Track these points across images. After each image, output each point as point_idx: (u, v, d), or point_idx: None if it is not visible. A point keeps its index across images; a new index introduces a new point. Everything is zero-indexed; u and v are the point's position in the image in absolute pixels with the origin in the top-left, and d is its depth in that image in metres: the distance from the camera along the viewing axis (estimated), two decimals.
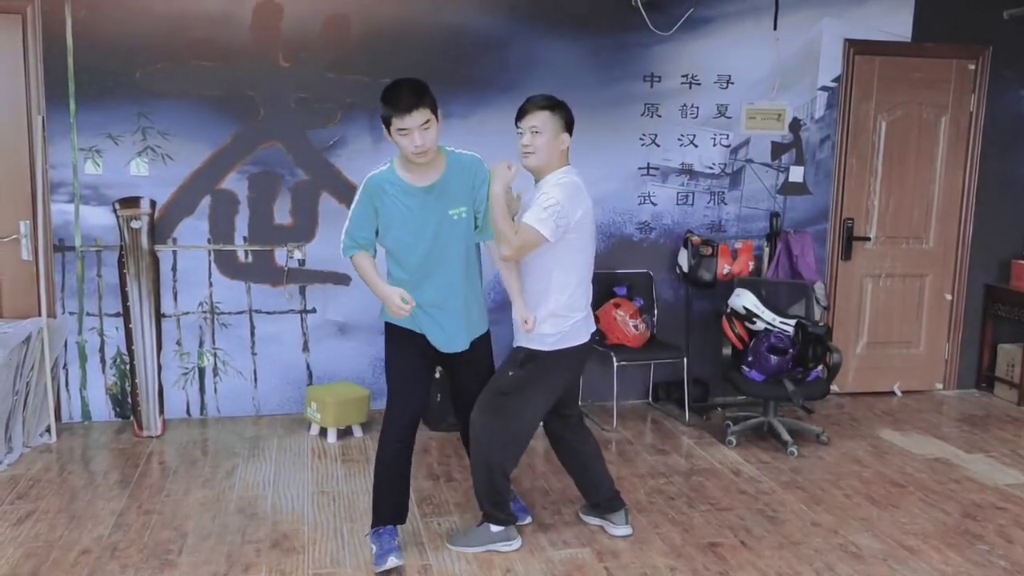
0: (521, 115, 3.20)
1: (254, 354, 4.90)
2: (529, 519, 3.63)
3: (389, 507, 3.31)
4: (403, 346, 3.28)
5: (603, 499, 3.55)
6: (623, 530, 3.52)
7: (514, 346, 3.32)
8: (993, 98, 5.53)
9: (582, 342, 3.29)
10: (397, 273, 3.22)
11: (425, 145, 3.00)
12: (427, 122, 3.00)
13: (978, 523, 3.74)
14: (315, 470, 4.20)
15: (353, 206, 3.18)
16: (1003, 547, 3.51)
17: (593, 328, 3.37)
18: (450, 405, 4.74)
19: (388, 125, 3.05)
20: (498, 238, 3.12)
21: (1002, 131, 5.58)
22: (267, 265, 4.86)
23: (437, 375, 4.75)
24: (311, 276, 4.90)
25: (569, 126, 3.20)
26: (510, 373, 3.27)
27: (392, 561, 3.18)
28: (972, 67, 5.50)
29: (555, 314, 3.20)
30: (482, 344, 3.37)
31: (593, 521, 3.62)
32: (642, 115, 5.15)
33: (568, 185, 3.15)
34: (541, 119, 3.14)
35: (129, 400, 4.74)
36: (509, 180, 3.14)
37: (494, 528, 3.36)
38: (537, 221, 3.06)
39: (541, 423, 3.41)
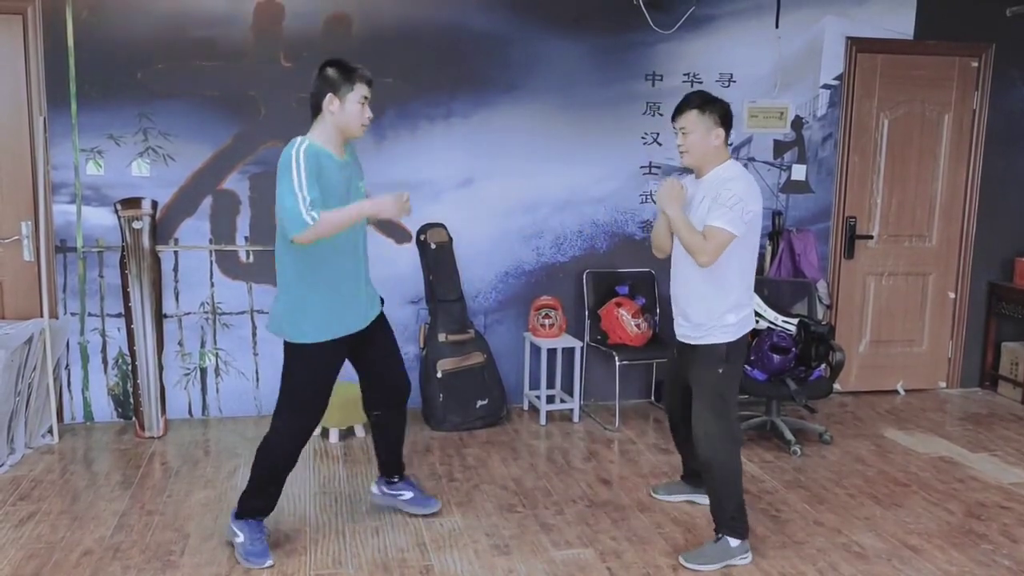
0: (673, 116, 3.29)
1: (256, 354, 4.90)
2: (436, 508, 3.69)
3: (270, 502, 3.33)
4: (334, 359, 3.28)
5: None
6: None
7: (696, 344, 3.29)
8: (996, 95, 5.51)
9: (748, 331, 3.34)
10: (330, 255, 3.12)
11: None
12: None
13: (982, 522, 3.73)
14: (317, 470, 4.19)
15: (299, 171, 2.94)
16: (1007, 546, 3.50)
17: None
18: (453, 405, 4.76)
19: (343, 92, 3.07)
20: (691, 251, 3.16)
21: (1005, 128, 5.57)
22: (269, 265, 4.85)
23: (440, 375, 4.77)
24: None
25: (723, 120, 3.23)
26: (719, 371, 3.26)
27: (269, 563, 3.21)
28: (975, 64, 5.48)
29: (738, 304, 3.26)
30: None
31: None
32: (644, 114, 5.14)
33: (744, 178, 3.21)
34: (689, 119, 3.22)
35: (131, 401, 4.74)
36: (684, 199, 3.24)
37: (733, 543, 3.28)
38: (726, 222, 3.10)
39: None
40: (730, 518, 3.29)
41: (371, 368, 3.50)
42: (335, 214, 3.00)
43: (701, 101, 3.24)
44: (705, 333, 3.27)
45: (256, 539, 3.25)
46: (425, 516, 3.64)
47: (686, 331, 3.34)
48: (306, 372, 3.22)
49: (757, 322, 4.70)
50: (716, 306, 3.24)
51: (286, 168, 2.98)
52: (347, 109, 3.09)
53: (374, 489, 3.73)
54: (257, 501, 3.29)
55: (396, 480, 3.69)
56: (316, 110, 3.13)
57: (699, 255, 3.14)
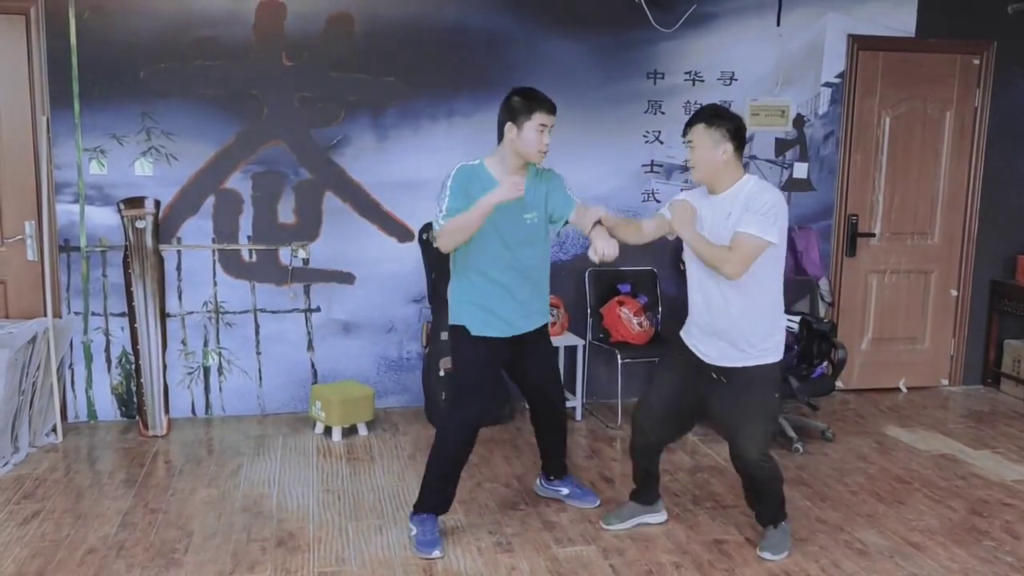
0: (683, 130, 3.24)
1: (259, 353, 4.91)
2: (596, 503, 3.80)
3: (443, 497, 3.43)
4: (488, 355, 3.40)
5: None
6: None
7: (747, 365, 3.17)
8: (998, 93, 5.51)
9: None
10: (480, 263, 3.35)
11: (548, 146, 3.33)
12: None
13: (984, 519, 3.73)
14: (320, 469, 4.20)
15: (444, 187, 3.28)
16: (1010, 543, 3.51)
17: None
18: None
19: (522, 120, 3.24)
20: (715, 264, 3.06)
21: (1007, 126, 5.56)
22: (271, 264, 4.86)
23: (442, 373, 4.77)
24: (315, 275, 4.91)
25: (733, 135, 3.12)
26: (776, 395, 3.23)
27: (437, 553, 3.31)
28: (976, 62, 5.48)
29: (781, 325, 3.24)
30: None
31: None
32: (646, 112, 5.14)
33: (771, 189, 3.13)
34: (696, 133, 3.15)
35: (134, 399, 4.75)
36: (693, 220, 3.17)
37: (786, 524, 3.39)
38: (757, 228, 3.01)
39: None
40: (780, 512, 3.38)
41: (523, 379, 3.66)
42: (458, 216, 3.20)
43: (709, 115, 3.16)
44: (759, 354, 3.17)
45: (428, 531, 3.35)
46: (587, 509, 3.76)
47: (728, 354, 3.19)
48: (465, 358, 3.42)
49: None
50: (771, 323, 3.18)
51: (441, 186, 3.31)
52: (523, 137, 3.26)
53: (538, 482, 3.91)
54: (431, 498, 3.40)
55: (553, 479, 3.84)
56: (500, 137, 3.35)
57: (723, 265, 3.03)
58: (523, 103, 3.26)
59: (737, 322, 3.14)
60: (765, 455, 3.21)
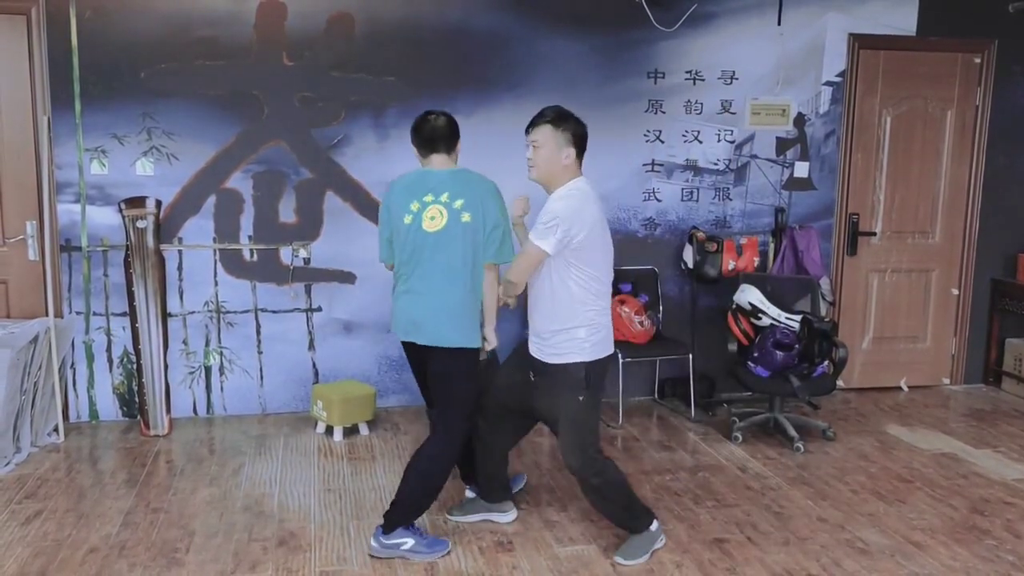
0: (527, 128, 3.20)
1: (260, 353, 4.91)
2: (523, 482, 3.91)
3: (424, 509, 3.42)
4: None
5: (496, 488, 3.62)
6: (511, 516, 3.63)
7: (553, 363, 3.19)
8: (999, 92, 5.51)
9: (609, 353, 3.24)
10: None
11: None
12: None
13: (986, 518, 3.73)
14: (321, 468, 4.21)
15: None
16: (1011, 542, 3.51)
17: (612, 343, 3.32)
18: None
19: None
20: (505, 288, 3.25)
21: (1008, 125, 5.56)
22: (272, 264, 4.87)
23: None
24: (316, 274, 4.91)
25: (576, 139, 3.14)
26: (580, 398, 3.17)
27: (449, 544, 3.36)
28: (977, 61, 5.48)
29: (590, 323, 3.15)
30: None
31: (475, 517, 3.63)
32: (646, 111, 5.14)
33: (570, 199, 3.10)
34: (542, 134, 3.13)
35: (136, 399, 4.76)
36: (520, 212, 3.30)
37: (653, 528, 3.35)
38: (535, 236, 3.08)
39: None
40: (630, 519, 3.33)
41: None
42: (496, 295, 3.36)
43: (556, 116, 3.14)
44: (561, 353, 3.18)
45: (424, 534, 3.35)
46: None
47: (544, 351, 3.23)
48: (472, 377, 3.36)
49: (760, 319, 4.71)
50: (565, 323, 3.16)
51: (498, 199, 3.30)
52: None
53: (468, 493, 3.79)
54: (416, 511, 3.36)
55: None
56: (451, 148, 3.49)
57: (510, 283, 3.17)
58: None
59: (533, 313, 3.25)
60: (581, 458, 3.20)
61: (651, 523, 3.35)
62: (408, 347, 3.42)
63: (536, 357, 3.26)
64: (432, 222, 3.24)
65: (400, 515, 3.29)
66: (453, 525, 3.56)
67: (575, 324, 3.14)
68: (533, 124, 3.17)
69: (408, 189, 3.36)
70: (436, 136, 3.41)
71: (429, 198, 3.28)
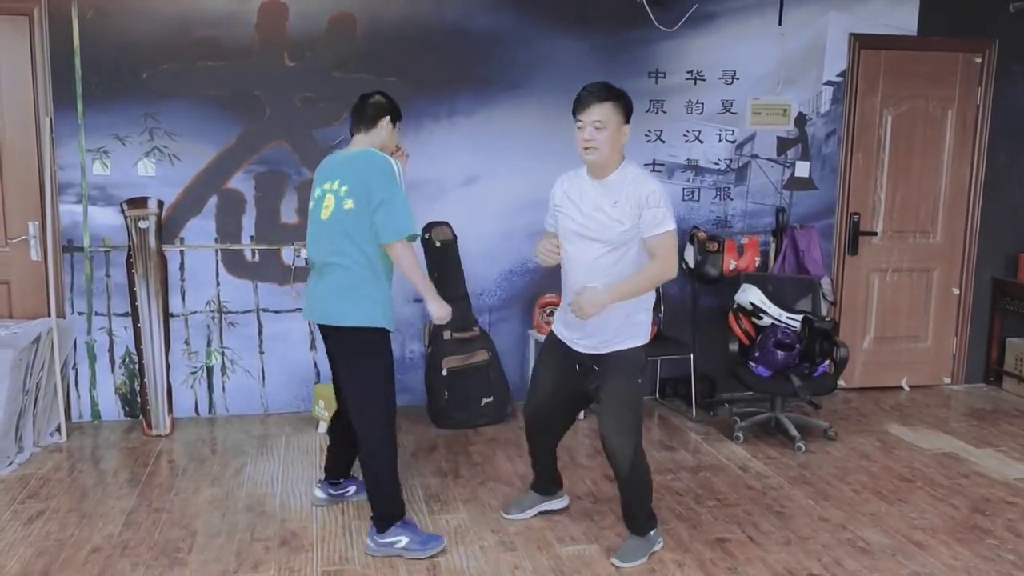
0: (581, 106, 2.98)
1: (262, 353, 4.92)
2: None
3: (401, 499, 3.42)
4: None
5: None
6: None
7: (608, 352, 3.14)
8: (1000, 91, 5.51)
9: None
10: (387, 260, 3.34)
11: None
12: None
13: (987, 518, 3.73)
14: (323, 467, 4.20)
15: (401, 182, 3.29)
16: (1012, 541, 3.51)
17: None
18: (458, 402, 4.78)
19: (396, 121, 3.47)
20: (658, 281, 3.12)
21: (1009, 124, 5.56)
22: (274, 264, 4.87)
23: (445, 372, 4.78)
24: None
25: (629, 116, 3.03)
26: (640, 381, 3.16)
27: (445, 541, 3.38)
28: (978, 60, 5.48)
29: (648, 308, 3.18)
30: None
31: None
32: (647, 111, 5.15)
33: (649, 177, 3.08)
34: (605, 112, 2.95)
35: (138, 399, 4.76)
36: (603, 302, 2.99)
37: (652, 533, 3.33)
38: (670, 220, 2.99)
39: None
40: (647, 515, 3.33)
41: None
42: (420, 270, 3.36)
43: (614, 92, 2.98)
44: (624, 339, 3.15)
45: (418, 530, 3.37)
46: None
47: (595, 341, 3.16)
48: (384, 357, 3.33)
49: (761, 318, 4.72)
50: (638, 303, 3.14)
51: (387, 174, 3.23)
52: (392, 133, 3.49)
53: (319, 493, 3.76)
54: (398, 502, 3.37)
55: (341, 480, 3.79)
56: (370, 124, 3.42)
57: (665, 275, 3.06)
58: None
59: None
60: (625, 440, 3.16)
61: (654, 529, 3.35)
62: (322, 334, 3.45)
63: (585, 351, 3.19)
64: (326, 211, 3.28)
65: (379, 514, 3.32)
66: (456, 523, 3.57)
67: (641, 308, 3.14)
68: (591, 102, 2.96)
69: (320, 175, 3.42)
70: (355, 116, 3.41)
71: (327, 185, 3.31)
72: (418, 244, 4.94)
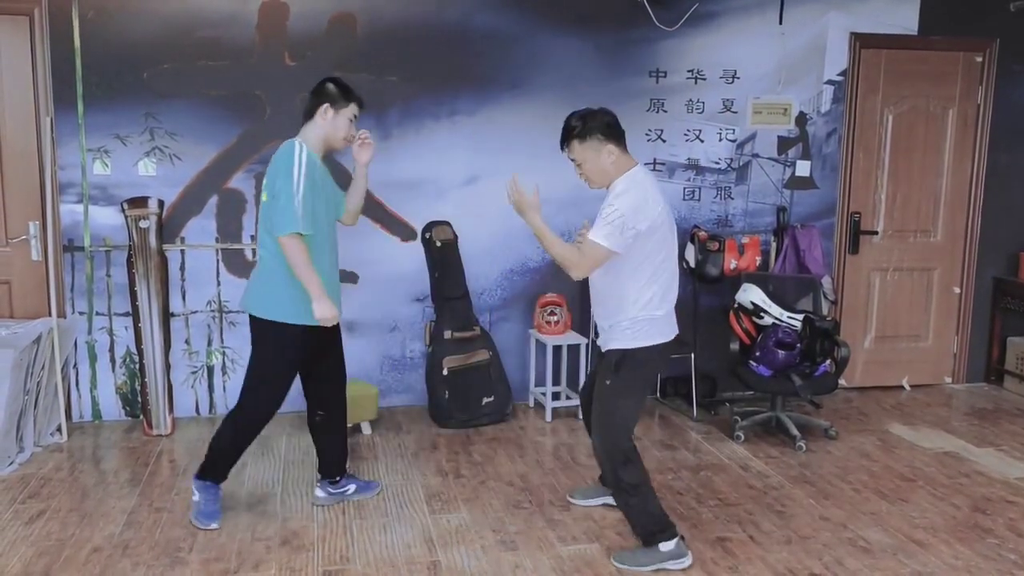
0: (561, 146, 3.22)
1: None
2: (378, 489, 3.89)
3: (226, 471, 3.59)
4: (303, 346, 3.45)
5: None
6: None
7: (603, 350, 3.26)
8: (1000, 90, 5.51)
9: (665, 339, 3.21)
10: (313, 249, 3.34)
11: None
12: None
13: (988, 517, 3.73)
14: (317, 469, 4.20)
15: (300, 177, 3.25)
16: (1013, 540, 3.51)
17: (675, 326, 3.28)
18: (459, 402, 4.78)
19: (339, 107, 3.41)
20: (563, 264, 3.12)
21: (1010, 123, 5.56)
22: None
23: (445, 372, 4.78)
24: None
25: (609, 133, 3.11)
26: (607, 382, 3.19)
27: (215, 525, 3.50)
28: (979, 59, 5.48)
29: (636, 318, 3.15)
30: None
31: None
32: (648, 111, 5.15)
33: (631, 192, 3.07)
34: (575, 151, 3.16)
35: (139, 399, 4.76)
36: (537, 206, 3.17)
37: (664, 547, 3.22)
38: (602, 237, 3.02)
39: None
40: (650, 523, 3.26)
41: (321, 366, 3.63)
42: (310, 268, 3.27)
43: (580, 127, 3.11)
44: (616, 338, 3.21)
45: (211, 500, 3.54)
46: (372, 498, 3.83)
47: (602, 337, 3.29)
48: (277, 351, 3.44)
49: (762, 317, 4.72)
50: (615, 316, 3.19)
51: (287, 168, 3.24)
52: (336, 124, 3.42)
53: (319, 492, 3.79)
54: (224, 466, 3.56)
55: (340, 479, 3.80)
56: (308, 116, 3.42)
57: (572, 269, 3.10)
58: (339, 95, 3.41)
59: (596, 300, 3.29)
60: (603, 444, 3.24)
61: (665, 541, 3.22)
62: None
63: (602, 346, 3.32)
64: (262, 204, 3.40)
65: (205, 468, 3.55)
66: (457, 523, 3.56)
67: (624, 316, 3.18)
68: (563, 142, 3.18)
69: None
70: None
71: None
72: (419, 244, 4.97)
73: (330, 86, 3.43)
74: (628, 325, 3.16)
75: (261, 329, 3.41)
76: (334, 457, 3.76)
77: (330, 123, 3.39)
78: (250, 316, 3.44)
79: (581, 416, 3.77)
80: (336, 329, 3.59)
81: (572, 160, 3.18)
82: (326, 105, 3.38)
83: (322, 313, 3.31)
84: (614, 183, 3.13)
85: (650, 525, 3.25)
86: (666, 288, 3.19)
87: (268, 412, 3.52)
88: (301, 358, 3.48)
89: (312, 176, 3.28)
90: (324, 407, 3.69)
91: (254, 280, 3.49)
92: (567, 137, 3.16)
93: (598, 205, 5.22)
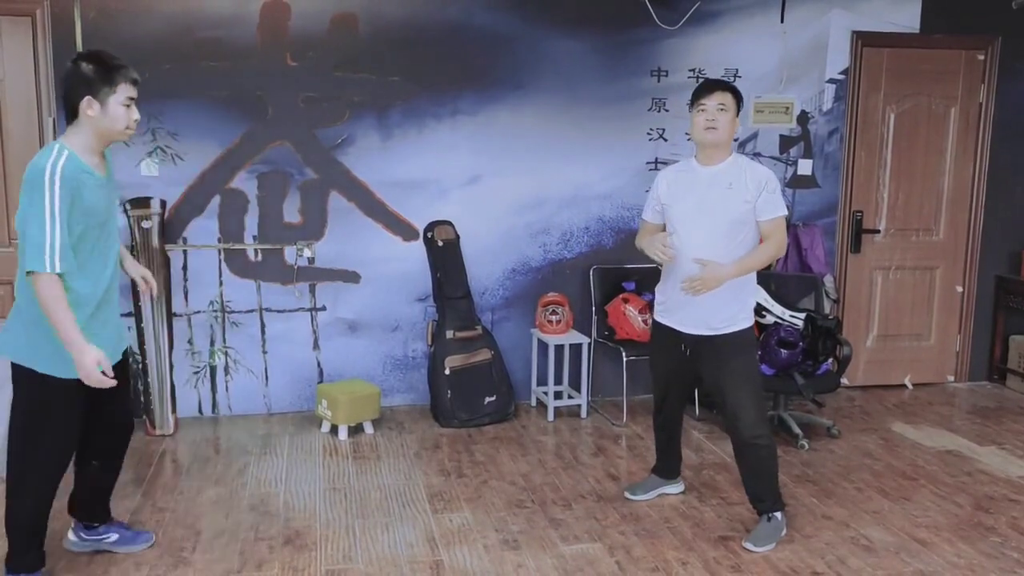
0: (706, 92, 3.34)
1: (265, 352, 4.92)
2: (150, 541, 3.36)
3: (40, 553, 2.96)
4: (75, 397, 2.81)
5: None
6: None
7: (726, 333, 3.37)
8: (1003, 88, 5.50)
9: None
10: (85, 288, 2.73)
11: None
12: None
13: (990, 515, 3.73)
14: (326, 467, 4.22)
15: (52, 199, 2.56)
16: (1015, 539, 3.51)
17: None
18: (461, 401, 4.78)
19: (104, 95, 2.71)
20: (774, 257, 3.41)
21: (1012, 121, 5.55)
22: (277, 264, 4.88)
23: (448, 371, 4.79)
24: (321, 274, 4.92)
25: (739, 111, 3.38)
26: (745, 358, 3.41)
27: None
28: (981, 57, 5.47)
29: (752, 290, 3.46)
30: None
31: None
32: (649, 110, 5.15)
33: (761, 165, 3.42)
34: (727, 98, 3.33)
35: (141, 399, 4.77)
36: (721, 272, 3.27)
37: (780, 516, 3.46)
38: (783, 206, 3.33)
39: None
40: (775, 494, 3.47)
41: (104, 409, 2.99)
42: (63, 312, 2.61)
43: (734, 87, 3.39)
44: (739, 321, 3.39)
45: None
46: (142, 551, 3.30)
47: (713, 323, 3.38)
48: (24, 403, 2.81)
49: (764, 316, 4.71)
50: (746, 284, 3.41)
51: (37, 189, 2.58)
52: (109, 113, 2.72)
53: (71, 536, 3.24)
54: (25, 557, 2.92)
55: (98, 525, 3.26)
56: (72, 114, 2.73)
57: (779, 252, 3.36)
58: (102, 73, 2.67)
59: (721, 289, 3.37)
60: (763, 421, 3.41)
61: (780, 511, 3.46)
62: None
63: (695, 332, 3.41)
64: None
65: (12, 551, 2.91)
66: (459, 522, 3.57)
67: (748, 292, 3.41)
68: (716, 88, 3.34)
69: None
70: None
71: None
72: (421, 243, 4.98)
73: (85, 68, 2.67)
74: (751, 301, 3.43)
75: (21, 377, 2.75)
76: (99, 500, 3.23)
77: (100, 118, 2.69)
78: (11, 362, 2.77)
79: (658, 407, 3.74)
80: (122, 365, 3.00)
81: (719, 105, 3.30)
82: (87, 98, 2.67)
83: (86, 371, 2.64)
84: (733, 158, 3.37)
85: (777, 488, 3.46)
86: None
87: (52, 475, 2.87)
88: (75, 415, 2.82)
89: (76, 193, 2.62)
90: (105, 457, 3.15)
91: (12, 319, 2.79)
92: (729, 88, 3.36)
93: (597, 205, 5.24)
